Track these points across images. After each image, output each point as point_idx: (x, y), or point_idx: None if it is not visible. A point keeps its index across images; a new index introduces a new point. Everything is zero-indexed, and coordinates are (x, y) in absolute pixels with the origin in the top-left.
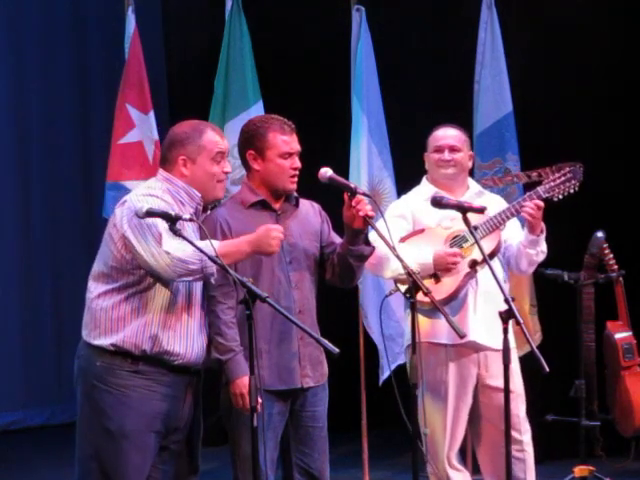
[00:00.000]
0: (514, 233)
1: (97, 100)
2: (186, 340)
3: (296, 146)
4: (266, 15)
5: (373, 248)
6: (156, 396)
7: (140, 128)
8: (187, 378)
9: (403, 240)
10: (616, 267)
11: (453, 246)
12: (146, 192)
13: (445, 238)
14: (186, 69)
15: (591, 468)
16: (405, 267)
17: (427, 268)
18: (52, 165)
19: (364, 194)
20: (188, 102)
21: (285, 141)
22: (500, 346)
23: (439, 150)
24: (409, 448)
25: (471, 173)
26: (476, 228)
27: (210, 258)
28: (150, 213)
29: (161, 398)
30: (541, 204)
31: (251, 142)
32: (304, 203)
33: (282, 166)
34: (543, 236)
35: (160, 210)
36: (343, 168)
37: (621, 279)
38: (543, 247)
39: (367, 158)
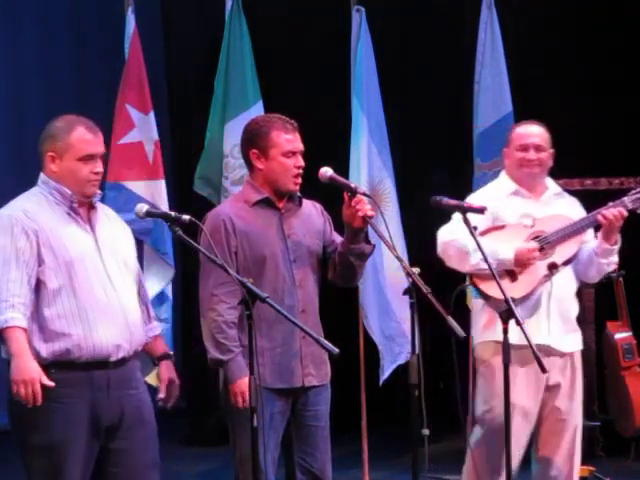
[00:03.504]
0: (590, 237)
1: (97, 100)
2: (90, 331)
3: (299, 145)
4: (266, 15)
5: (373, 246)
6: (76, 402)
7: (140, 128)
8: (105, 374)
9: (483, 234)
10: (616, 267)
11: None
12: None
13: (526, 237)
14: (186, 69)
15: (591, 468)
16: (405, 267)
17: (507, 263)
18: None
19: (364, 194)
20: (188, 102)
21: (288, 140)
22: (571, 349)
23: (524, 149)
24: (409, 448)
25: (471, 173)
26: (475, 228)
27: (209, 258)
28: (150, 214)
29: (81, 402)
30: (625, 213)
31: (254, 141)
32: (307, 203)
33: (285, 165)
34: (617, 247)
35: (160, 211)
36: (343, 168)
37: (621, 279)
38: (615, 258)
39: (367, 158)
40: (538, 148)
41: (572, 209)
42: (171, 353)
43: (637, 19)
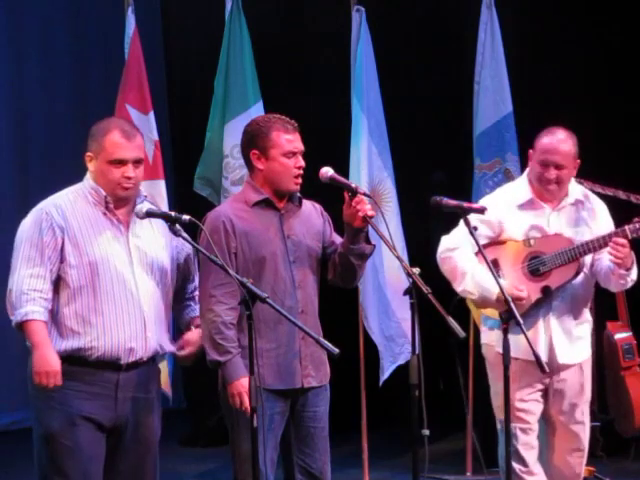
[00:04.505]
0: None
1: (97, 100)
2: (104, 333)
3: (299, 145)
4: (266, 15)
5: (374, 247)
6: (81, 395)
7: (140, 128)
8: (116, 374)
9: (484, 248)
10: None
11: (530, 267)
12: (34, 218)
13: (524, 256)
14: (186, 69)
15: (591, 468)
16: (405, 267)
17: (489, 296)
18: (52, 165)
19: (365, 194)
20: (188, 102)
21: (288, 140)
22: (575, 361)
23: (545, 165)
24: (409, 448)
25: (471, 173)
26: (476, 229)
27: (209, 258)
28: (150, 214)
29: (87, 397)
30: (626, 244)
31: (254, 142)
32: (306, 203)
33: (286, 165)
34: (634, 266)
35: (160, 211)
36: (343, 168)
37: None
38: (633, 275)
39: (367, 158)
40: (559, 166)
41: (591, 219)
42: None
43: (638, 19)
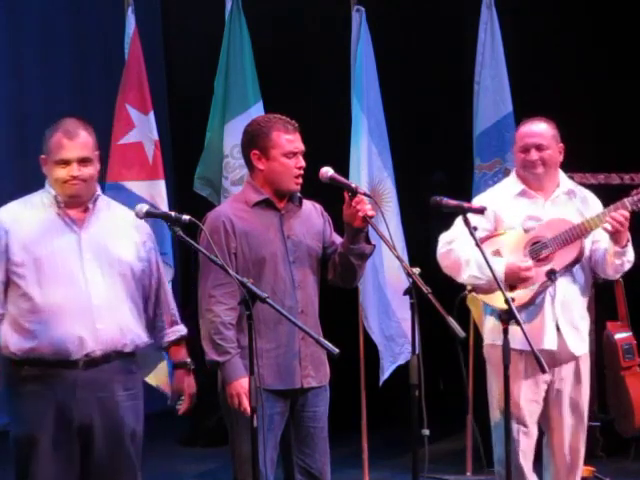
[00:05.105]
0: (603, 235)
1: (97, 100)
2: (51, 327)
3: (300, 145)
4: (266, 15)
5: (374, 247)
6: (38, 399)
7: (140, 128)
8: (73, 373)
9: (483, 241)
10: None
11: (532, 252)
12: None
13: (525, 242)
14: (186, 69)
15: (591, 468)
16: (405, 267)
17: (497, 275)
18: None
19: (365, 194)
20: (188, 102)
21: (289, 140)
22: (578, 353)
23: (525, 150)
24: (409, 448)
25: (471, 173)
26: (476, 229)
27: (208, 257)
28: (150, 214)
29: (49, 399)
30: (627, 215)
31: (255, 142)
32: (306, 204)
33: (286, 165)
34: (629, 246)
35: (159, 211)
36: (343, 168)
37: (621, 279)
38: (629, 256)
39: (367, 158)
40: (539, 147)
41: (585, 207)
42: (187, 361)
43: (638, 19)
